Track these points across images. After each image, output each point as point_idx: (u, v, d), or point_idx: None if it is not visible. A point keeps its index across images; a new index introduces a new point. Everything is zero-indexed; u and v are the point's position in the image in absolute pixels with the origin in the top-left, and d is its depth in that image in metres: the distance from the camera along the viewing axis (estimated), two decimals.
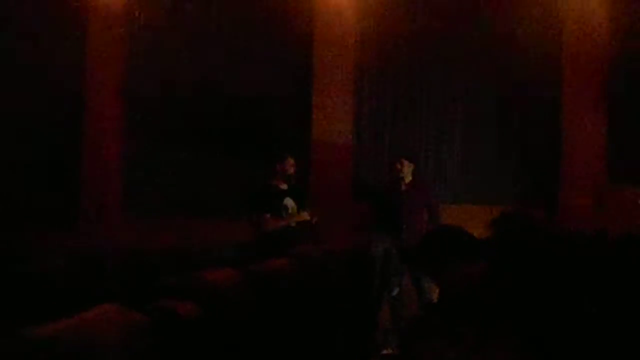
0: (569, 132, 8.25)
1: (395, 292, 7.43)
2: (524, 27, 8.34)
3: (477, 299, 2.77)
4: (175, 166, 8.70)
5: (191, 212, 8.47)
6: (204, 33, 8.79)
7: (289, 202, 6.96)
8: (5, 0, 8.65)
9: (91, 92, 8.67)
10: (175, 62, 8.78)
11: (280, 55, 8.71)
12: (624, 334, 2.95)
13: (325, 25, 8.53)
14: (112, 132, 8.73)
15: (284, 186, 6.98)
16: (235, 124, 8.60)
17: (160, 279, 2.78)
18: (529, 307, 2.85)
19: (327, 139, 8.42)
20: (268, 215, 6.82)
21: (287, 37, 8.70)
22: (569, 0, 8.22)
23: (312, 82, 8.56)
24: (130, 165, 8.78)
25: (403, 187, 7.48)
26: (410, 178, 7.53)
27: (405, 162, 7.48)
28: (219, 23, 8.78)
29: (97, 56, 8.66)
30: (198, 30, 8.78)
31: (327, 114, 8.45)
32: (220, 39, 8.78)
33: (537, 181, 8.32)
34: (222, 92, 8.70)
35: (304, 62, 8.65)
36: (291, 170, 6.95)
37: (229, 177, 8.63)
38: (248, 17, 8.77)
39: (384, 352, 6.84)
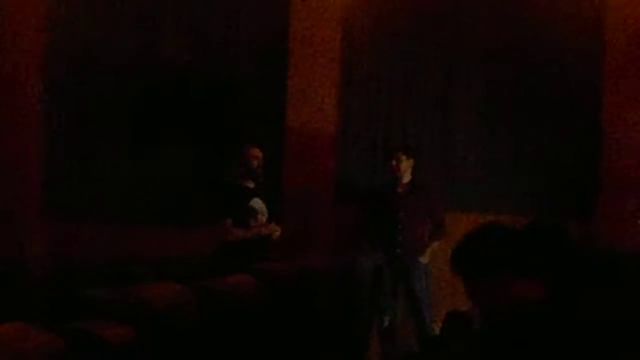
0: (610, 128, 8.27)
1: (387, 321, 7.42)
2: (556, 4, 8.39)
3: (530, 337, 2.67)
4: (112, 159, 8.61)
5: (133, 217, 8.39)
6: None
7: (257, 203, 6.94)
8: None
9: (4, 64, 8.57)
10: (116, 32, 8.71)
11: (248, 25, 8.67)
12: None
13: None
14: (29, 115, 8.63)
15: (251, 184, 6.96)
16: (191, 109, 8.53)
17: (84, 293, 2.73)
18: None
19: (305, 126, 8.38)
20: (229, 222, 6.79)
21: (258, 3, 8.67)
22: None
23: (287, 57, 8.51)
24: (52, 157, 8.69)
25: (400, 189, 7.49)
26: (410, 178, 7.54)
27: (403, 158, 7.49)
28: None
29: (11, 22, 8.58)
30: None
31: (306, 96, 8.41)
32: (179, 6, 8.73)
33: (569, 186, 8.33)
34: (176, 69, 8.64)
35: (277, 32, 8.62)
36: (255, 163, 6.93)
37: (183, 175, 8.57)
38: None
39: None
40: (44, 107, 8.63)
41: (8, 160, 8.37)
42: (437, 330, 7.11)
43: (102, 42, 8.66)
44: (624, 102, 8.21)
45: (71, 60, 8.72)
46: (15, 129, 8.48)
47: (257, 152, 7.01)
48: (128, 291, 2.75)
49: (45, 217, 8.43)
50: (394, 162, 7.50)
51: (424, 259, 7.43)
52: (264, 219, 6.93)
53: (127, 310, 2.61)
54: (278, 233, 6.94)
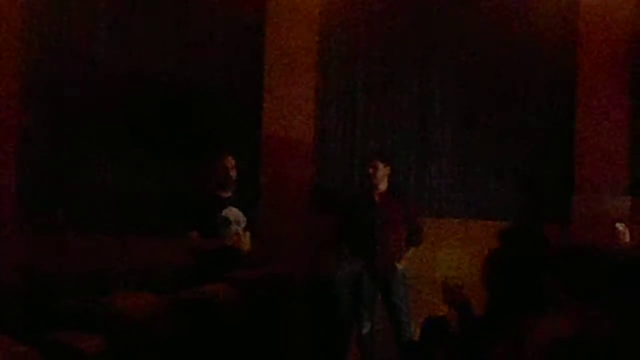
0: (583, 132, 8.34)
1: (366, 328, 7.46)
2: (532, 5, 8.45)
3: None
4: (89, 170, 8.63)
5: (110, 227, 8.41)
6: (126, 3, 8.76)
7: (231, 212, 6.91)
8: None
9: None
10: (92, 43, 8.74)
11: (223, 34, 8.70)
12: None
13: None
14: (5, 125, 8.63)
15: (225, 194, 6.95)
16: (167, 117, 8.55)
17: (59, 303, 2.77)
18: None
19: (282, 133, 8.40)
20: (195, 234, 6.77)
21: (232, 6, 8.69)
22: None
23: (262, 63, 8.54)
24: (28, 167, 8.70)
25: (377, 197, 7.52)
26: (386, 185, 7.57)
27: (380, 165, 7.52)
28: None
29: None
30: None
31: (282, 102, 8.44)
32: (148, 10, 8.75)
33: (544, 191, 8.40)
34: (152, 77, 8.66)
35: (252, 37, 8.64)
36: (230, 172, 6.92)
37: (158, 185, 8.59)
38: None
39: None
40: (20, 117, 8.64)
41: None
42: (416, 336, 7.16)
43: (79, 54, 8.69)
44: (597, 106, 8.28)
45: (48, 71, 8.74)
46: None
47: (230, 161, 6.98)
48: (102, 302, 2.80)
49: (21, 228, 8.43)
50: (370, 170, 7.54)
51: (401, 266, 7.48)
52: (239, 228, 6.91)
53: (102, 321, 2.65)
54: (247, 247, 6.88)
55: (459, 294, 4.57)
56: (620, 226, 6.47)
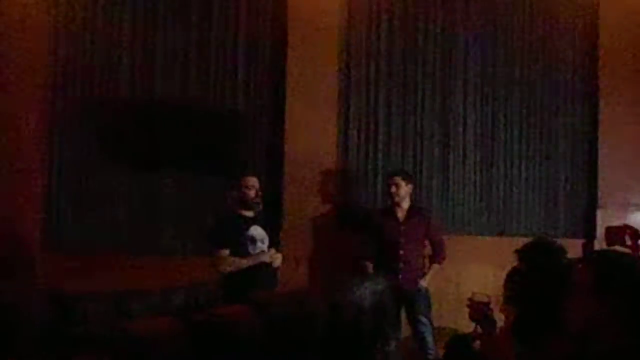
0: (606, 145, 8.30)
1: (391, 347, 7.42)
2: (554, 15, 8.44)
3: None
4: (112, 192, 8.69)
5: (133, 249, 8.46)
6: (150, 26, 8.82)
7: (256, 231, 6.96)
8: None
9: (5, 100, 8.65)
10: (116, 65, 8.81)
11: (246, 54, 8.75)
12: None
13: (302, 17, 8.58)
14: (29, 150, 8.71)
15: (249, 213, 6.99)
16: (190, 140, 8.59)
17: (77, 330, 2.80)
18: None
19: (304, 155, 8.42)
20: (227, 252, 6.82)
21: (254, 31, 8.74)
22: None
23: (285, 83, 8.58)
24: (53, 189, 8.77)
25: (399, 214, 7.53)
26: (409, 202, 7.58)
27: (402, 183, 7.52)
28: (167, 15, 8.80)
29: (12, 58, 8.67)
30: (142, 23, 8.80)
31: (305, 124, 8.46)
32: (170, 34, 8.81)
33: (570, 205, 8.37)
34: (172, 100, 8.72)
35: (275, 61, 8.69)
36: (252, 192, 6.95)
37: (183, 206, 8.63)
38: (204, 6, 8.81)
39: None
40: (44, 142, 8.72)
41: (9, 195, 8.44)
42: (440, 354, 7.14)
43: (101, 78, 8.76)
44: (619, 119, 8.24)
45: (71, 96, 8.82)
46: (16, 164, 8.56)
47: (253, 181, 7.03)
48: (120, 326, 2.82)
49: (45, 252, 8.50)
50: (392, 188, 7.55)
51: (424, 283, 7.47)
52: (264, 247, 6.96)
53: (118, 345, 2.68)
54: (279, 260, 6.95)
55: (485, 311, 4.56)
56: None
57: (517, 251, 4.10)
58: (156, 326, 2.92)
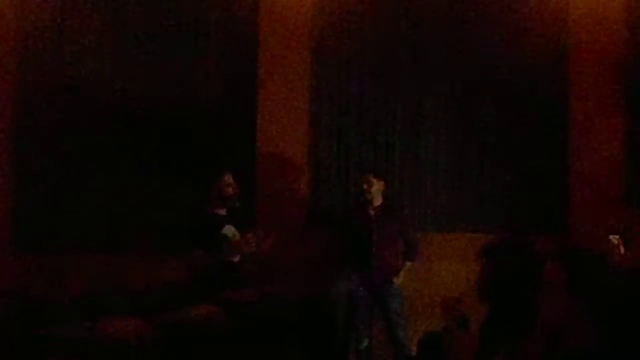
0: (578, 140, 8.33)
1: (363, 344, 7.44)
2: (524, 11, 8.45)
3: None
4: (81, 191, 8.61)
5: (103, 248, 8.40)
6: (119, 21, 8.75)
7: (229, 230, 6.94)
8: None
9: None
10: (85, 63, 8.74)
11: (216, 51, 8.70)
12: None
13: (274, 11, 8.54)
14: None
15: (222, 211, 6.97)
16: (161, 136, 8.55)
17: (46, 331, 2.77)
18: None
19: (276, 151, 8.40)
20: (200, 251, 6.78)
21: (225, 26, 8.70)
22: None
23: (256, 83, 8.55)
24: (23, 188, 8.68)
25: (372, 212, 7.52)
26: (381, 200, 7.58)
27: (374, 180, 7.53)
28: (137, 9, 8.74)
29: None
30: (111, 16, 8.73)
31: (276, 120, 8.43)
32: (140, 30, 8.75)
33: (540, 202, 8.39)
34: (145, 95, 8.65)
35: (246, 58, 8.65)
36: (229, 190, 6.94)
37: (154, 204, 8.57)
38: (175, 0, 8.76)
39: None
40: (12, 140, 8.64)
41: None
42: (413, 351, 7.14)
43: (71, 74, 8.68)
44: (590, 116, 8.28)
45: (39, 92, 8.73)
46: None
47: (230, 180, 7.02)
48: (87, 327, 2.78)
49: (13, 251, 8.42)
50: (364, 185, 7.54)
51: (397, 280, 7.48)
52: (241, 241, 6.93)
53: (87, 347, 2.64)
54: (253, 247, 6.88)
55: (457, 309, 4.57)
56: (614, 239, 6.45)
57: (485, 248, 4.09)
58: (125, 327, 2.89)
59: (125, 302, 6.18)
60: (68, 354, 2.54)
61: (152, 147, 8.49)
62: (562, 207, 8.33)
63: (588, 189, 8.22)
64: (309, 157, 8.48)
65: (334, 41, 8.61)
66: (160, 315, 3.36)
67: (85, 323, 2.81)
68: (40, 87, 8.70)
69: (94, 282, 7.67)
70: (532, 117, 8.45)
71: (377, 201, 7.56)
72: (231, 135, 8.58)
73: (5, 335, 3.83)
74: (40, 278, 7.48)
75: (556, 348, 3.13)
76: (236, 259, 6.92)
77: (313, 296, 6.30)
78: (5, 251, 8.44)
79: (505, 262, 4.06)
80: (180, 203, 8.16)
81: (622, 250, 6.38)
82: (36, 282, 7.27)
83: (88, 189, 8.58)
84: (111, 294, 6.58)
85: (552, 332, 3.28)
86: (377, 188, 7.54)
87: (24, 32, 8.73)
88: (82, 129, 8.57)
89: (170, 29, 8.70)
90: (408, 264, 7.56)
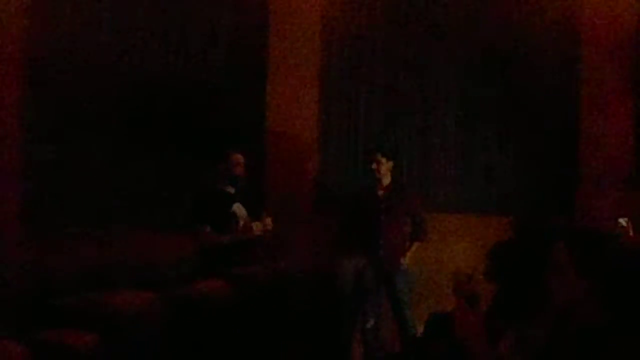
0: (588, 122, 8.31)
1: (370, 324, 7.45)
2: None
3: None
4: (91, 166, 8.61)
5: (113, 223, 8.40)
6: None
7: (238, 209, 6.93)
8: None
9: None
10: (96, 39, 8.71)
11: (227, 29, 8.68)
12: None
13: None
14: (7, 122, 8.62)
15: (231, 190, 6.96)
16: (172, 114, 8.55)
17: (53, 302, 2.77)
18: None
19: (285, 130, 8.39)
20: (208, 229, 6.79)
21: (236, 4, 8.68)
22: None
23: (266, 62, 8.53)
24: (30, 164, 8.68)
25: (380, 191, 7.51)
26: (389, 180, 7.56)
27: (382, 160, 7.50)
28: None
29: None
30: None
31: (286, 98, 8.42)
32: (153, 8, 8.73)
33: (549, 184, 8.37)
34: (155, 72, 8.65)
35: (256, 36, 8.63)
36: (238, 169, 6.93)
37: (164, 180, 8.58)
38: None
39: None
40: (22, 112, 8.63)
41: None
42: (419, 332, 7.15)
43: (82, 50, 8.66)
44: (601, 98, 8.25)
45: (50, 68, 8.72)
46: None
47: (240, 158, 7.00)
48: (96, 300, 2.79)
49: (22, 225, 8.43)
50: (373, 165, 7.53)
51: (405, 260, 7.47)
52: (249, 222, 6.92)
53: (95, 318, 2.65)
54: (261, 232, 6.87)
55: (469, 286, 4.56)
56: (623, 221, 6.42)
57: (514, 226, 4.09)
58: (136, 300, 2.90)
59: (135, 276, 6.20)
60: (82, 324, 2.55)
61: (163, 124, 8.49)
62: (571, 189, 8.31)
63: (597, 171, 8.20)
64: (318, 135, 8.47)
65: (344, 18, 8.59)
66: (169, 289, 3.37)
67: (97, 295, 2.82)
68: (50, 63, 8.69)
69: (102, 257, 7.68)
70: (543, 98, 8.43)
71: (386, 181, 7.54)
72: (241, 113, 8.58)
73: (14, 307, 3.85)
74: (50, 252, 7.49)
75: (566, 328, 3.13)
76: (245, 237, 6.90)
77: (321, 274, 6.30)
78: (16, 226, 8.45)
79: (515, 243, 4.07)
80: (190, 180, 8.17)
81: (631, 232, 6.36)
82: (47, 256, 7.28)
83: (98, 164, 8.58)
84: (120, 268, 6.60)
85: (562, 312, 3.28)
86: (386, 168, 7.51)
87: (34, 6, 8.70)
88: (92, 104, 8.56)
89: (181, 8, 8.69)
90: (416, 244, 7.55)
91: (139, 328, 2.78)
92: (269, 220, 6.85)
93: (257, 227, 6.82)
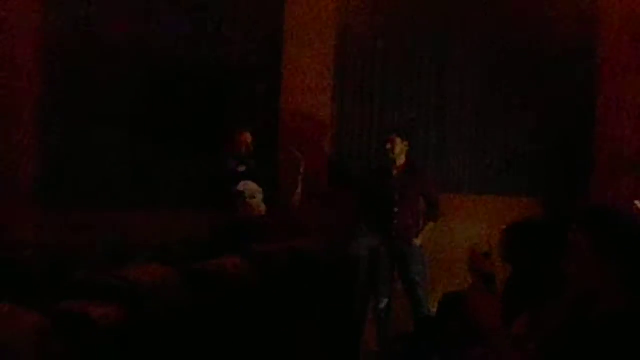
0: (604, 103, 8.28)
1: (383, 303, 7.46)
2: None
3: None
4: (105, 145, 8.64)
5: (126, 201, 8.43)
6: None
7: (246, 186, 6.90)
8: None
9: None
10: (110, 21, 8.72)
11: (243, 11, 8.66)
12: None
13: None
14: (22, 103, 8.64)
15: (241, 168, 6.95)
16: (184, 93, 8.55)
17: (72, 275, 2.79)
18: None
19: (300, 110, 8.39)
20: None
21: None
22: None
23: (281, 38, 8.51)
24: (46, 143, 8.72)
25: (395, 171, 7.51)
26: (404, 160, 7.56)
27: (397, 140, 7.50)
28: None
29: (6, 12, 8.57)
30: None
31: (300, 77, 8.41)
32: None
33: (563, 167, 8.35)
34: (169, 52, 8.65)
35: (272, 17, 8.61)
36: (245, 147, 6.90)
37: (179, 160, 8.59)
38: None
39: None
40: (38, 94, 8.65)
41: (3, 149, 8.40)
42: (433, 312, 7.15)
43: (96, 31, 8.67)
44: (617, 82, 8.21)
45: (65, 49, 8.73)
46: (9, 117, 8.51)
47: (246, 137, 6.98)
48: (115, 273, 2.80)
49: (38, 203, 8.47)
50: (388, 145, 7.52)
51: (418, 241, 7.47)
52: (254, 202, 6.88)
53: (114, 291, 2.66)
54: (257, 212, 6.81)
55: (485, 263, 4.55)
56: (639, 204, 6.40)
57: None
58: (156, 273, 2.91)
59: (149, 255, 6.19)
60: (102, 296, 2.56)
61: (173, 103, 8.50)
62: (586, 171, 8.29)
63: (613, 154, 8.18)
64: (333, 115, 8.46)
65: (360, 2, 8.56)
66: (187, 264, 3.38)
67: (115, 269, 2.83)
68: (66, 45, 8.70)
69: (115, 235, 7.69)
70: (559, 80, 8.39)
71: (401, 161, 7.54)
72: (256, 93, 8.58)
73: (30, 283, 3.86)
74: (67, 232, 7.51)
75: (586, 313, 3.11)
76: (254, 214, 6.85)
77: (335, 253, 6.29)
78: (31, 206, 8.49)
79: (533, 224, 4.05)
80: (202, 159, 8.18)
81: None
82: (62, 236, 7.30)
83: (111, 145, 8.60)
84: (135, 247, 6.59)
85: (581, 297, 3.25)
86: (401, 148, 7.51)
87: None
88: (105, 85, 8.58)
89: None
90: (430, 224, 7.55)
91: (159, 300, 2.79)
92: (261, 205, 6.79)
93: (258, 206, 6.78)
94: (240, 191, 6.83)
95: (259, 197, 6.86)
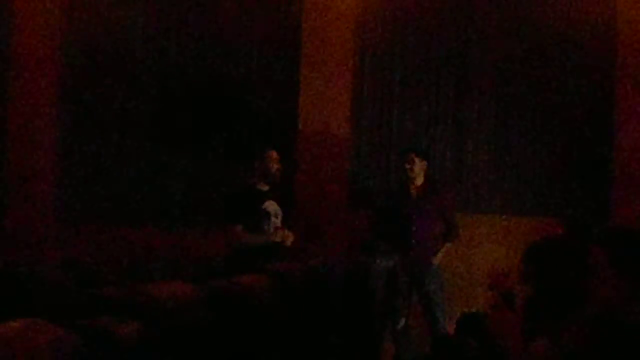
0: (623, 124, 8.27)
1: (401, 324, 7.45)
2: None
3: None
4: (126, 162, 8.70)
5: (148, 219, 8.48)
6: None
7: (271, 206, 6.92)
8: None
9: (18, 66, 8.65)
10: (129, 37, 8.79)
11: (261, 28, 8.71)
12: None
13: None
14: (43, 119, 8.71)
15: (265, 187, 6.96)
16: (205, 110, 8.60)
17: (95, 291, 2.80)
18: None
19: (318, 129, 8.42)
20: (240, 227, 6.77)
21: (270, 2, 8.72)
22: None
23: (300, 59, 8.55)
24: (66, 161, 8.77)
25: (413, 191, 7.51)
26: (423, 179, 7.56)
27: (416, 160, 7.50)
28: None
29: (24, 28, 8.65)
30: None
31: (319, 98, 8.45)
32: (188, 7, 8.79)
33: (583, 187, 8.33)
34: (188, 71, 8.71)
35: (290, 36, 8.66)
36: (274, 167, 6.92)
37: (197, 177, 8.64)
38: None
39: None
40: (58, 111, 8.71)
41: (22, 164, 8.46)
42: (450, 331, 7.13)
43: (115, 48, 8.74)
44: (637, 99, 8.20)
45: (84, 64, 8.80)
46: (30, 133, 8.57)
47: (275, 155, 6.99)
48: (139, 289, 2.82)
49: (60, 220, 8.51)
50: (407, 165, 7.52)
51: (436, 260, 7.46)
52: (278, 222, 6.92)
53: (137, 307, 2.68)
54: (291, 239, 6.88)
55: (505, 282, 4.56)
56: None
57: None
58: (178, 291, 2.93)
59: (168, 273, 6.23)
60: (125, 313, 2.58)
61: (197, 123, 8.55)
62: (605, 191, 8.27)
63: (633, 174, 8.15)
64: (351, 134, 8.49)
65: (378, 18, 8.59)
66: (208, 281, 3.40)
67: (135, 285, 2.85)
68: (86, 58, 8.77)
69: (137, 253, 7.73)
70: (578, 102, 8.39)
71: (419, 181, 7.54)
72: (274, 112, 8.61)
73: (56, 298, 3.90)
74: (85, 247, 7.56)
75: (609, 330, 3.10)
76: (277, 239, 6.87)
77: (353, 273, 6.30)
78: (52, 221, 8.54)
79: (553, 243, 4.06)
80: (223, 177, 8.21)
81: None
82: (81, 251, 7.35)
83: (132, 161, 8.65)
84: (153, 263, 6.63)
85: (604, 314, 3.26)
86: (419, 167, 7.51)
87: (69, 9, 8.79)
88: (126, 101, 8.64)
89: (215, 7, 8.73)
90: (448, 244, 7.54)
91: (181, 317, 2.80)
92: (288, 234, 6.82)
93: (282, 236, 6.80)
94: (266, 211, 6.87)
95: (279, 218, 6.89)
